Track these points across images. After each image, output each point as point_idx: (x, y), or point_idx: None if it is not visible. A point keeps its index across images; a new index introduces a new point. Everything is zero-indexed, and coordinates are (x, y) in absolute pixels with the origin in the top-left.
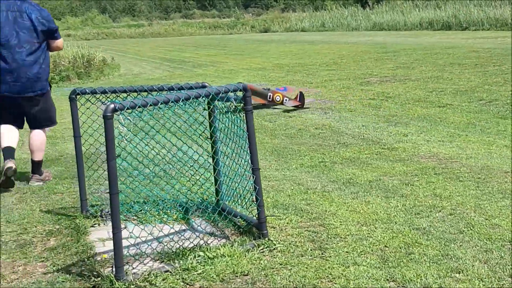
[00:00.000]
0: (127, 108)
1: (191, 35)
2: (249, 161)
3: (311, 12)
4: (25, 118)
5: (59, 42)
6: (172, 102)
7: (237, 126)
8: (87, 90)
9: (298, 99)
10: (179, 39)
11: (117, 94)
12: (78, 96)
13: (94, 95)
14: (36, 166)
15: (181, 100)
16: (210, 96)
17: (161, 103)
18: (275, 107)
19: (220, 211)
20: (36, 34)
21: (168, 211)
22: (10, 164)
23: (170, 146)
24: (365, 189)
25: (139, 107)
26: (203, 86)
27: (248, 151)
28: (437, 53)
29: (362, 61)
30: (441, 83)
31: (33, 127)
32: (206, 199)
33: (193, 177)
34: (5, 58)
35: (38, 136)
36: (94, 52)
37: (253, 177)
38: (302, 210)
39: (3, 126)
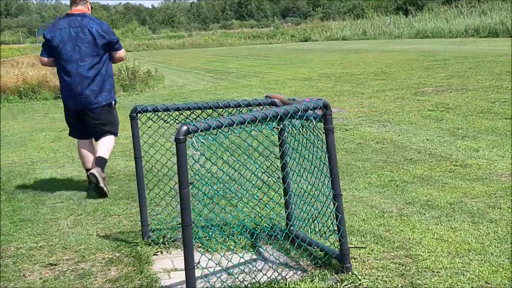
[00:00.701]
0: (201, 130)
1: (231, 45)
2: (329, 185)
3: (351, 20)
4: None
5: (121, 53)
6: (248, 122)
7: (312, 144)
8: (149, 108)
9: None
10: (219, 49)
11: (180, 111)
12: (138, 114)
13: (156, 113)
14: (100, 161)
15: (257, 120)
16: (288, 115)
17: (237, 124)
18: None
19: (293, 238)
20: (97, 47)
21: (236, 237)
22: (95, 172)
23: (239, 166)
24: (447, 212)
25: (213, 128)
26: (273, 103)
27: (327, 174)
28: (490, 61)
29: (412, 70)
30: (502, 93)
31: (97, 137)
32: (276, 224)
33: (262, 199)
34: (69, 72)
35: (104, 142)
36: (138, 64)
37: (334, 203)
38: (382, 238)
39: (82, 143)
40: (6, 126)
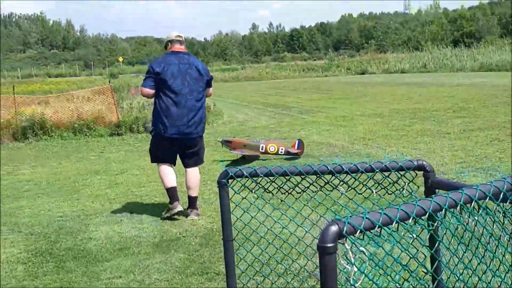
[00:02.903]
0: (360, 231)
1: (285, 78)
2: None
3: (409, 52)
4: (178, 157)
5: (211, 89)
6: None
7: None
8: (245, 172)
9: (296, 147)
10: (274, 82)
11: (286, 177)
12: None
13: (253, 178)
14: (194, 201)
15: (427, 212)
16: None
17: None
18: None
19: None
20: (202, 83)
21: None
22: (180, 208)
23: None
24: None
25: (378, 227)
26: (420, 167)
27: None
28: None
29: (493, 106)
30: None
31: (188, 165)
32: None
33: None
34: (177, 104)
35: (195, 174)
36: None
37: None
38: None
39: (165, 166)
40: (58, 168)
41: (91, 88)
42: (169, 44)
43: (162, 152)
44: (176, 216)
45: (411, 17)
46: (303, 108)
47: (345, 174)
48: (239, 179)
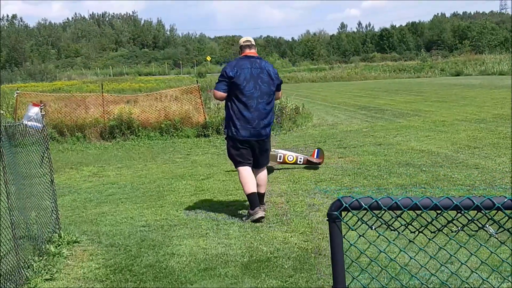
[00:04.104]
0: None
1: (375, 79)
2: None
3: (508, 53)
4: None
5: (281, 93)
6: None
7: None
8: (363, 203)
9: (316, 155)
10: (364, 83)
11: (416, 211)
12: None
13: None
14: (263, 198)
15: None
16: None
17: None
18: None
19: None
20: (273, 87)
21: None
22: (262, 213)
23: None
24: None
25: None
26: None
27: None
28: None
29: None
30: None
31: (258, 166)
32: None
33: None
34: (249, 108)
35: (264, 173)
36: (285, 100)
37: None
38: None
39: (246, 171)
40: (143, 170)
41: (179, 87)
42: (240, 49)
43: (239, 154)
44: (265, 233)
45: (507, 17)
46: (397, 111)
47: (496, 211)
48: (355, 211)
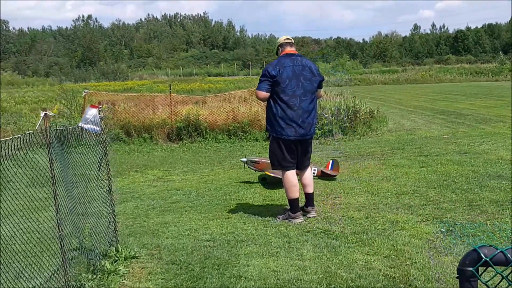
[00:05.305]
0: None
1: (451, 82)
2: None
3: None
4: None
5: (322, 91)
6: None
7: None
8: (510, 256)
9: (330, 167)
10: (439, 86)
11: None
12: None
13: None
14: (311, 198)
15: None
16: None
17: None
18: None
19: None
20: (315, 84)
21: None
22: (301, 219)
23: None
24: None
25: None
26: None
27: None
28: None
29: None
30: None
31: (302, 167)
32: None
33: None
34: (292, 106)
35: (309, 172)
36: (359, 103)
37: None
38: None
39: (291, 176)
40: (210, 175)
41: (248, 88)
42: (280, 48)
43: (284, 157)
44: (343, 255)
45: None
46: (479, 116)
47: None
48: (499, 268)
